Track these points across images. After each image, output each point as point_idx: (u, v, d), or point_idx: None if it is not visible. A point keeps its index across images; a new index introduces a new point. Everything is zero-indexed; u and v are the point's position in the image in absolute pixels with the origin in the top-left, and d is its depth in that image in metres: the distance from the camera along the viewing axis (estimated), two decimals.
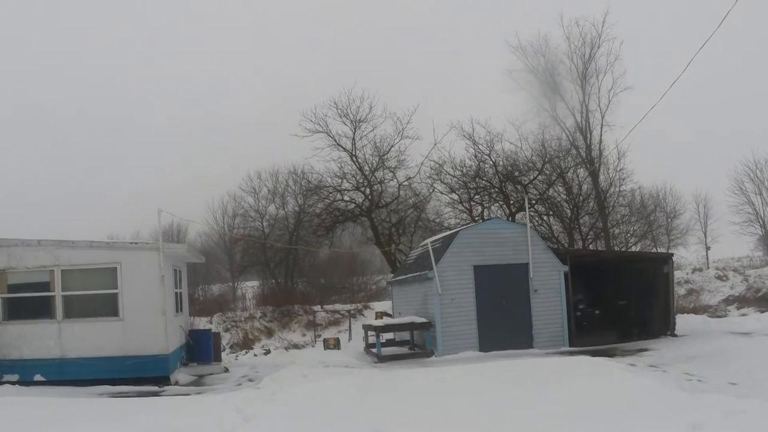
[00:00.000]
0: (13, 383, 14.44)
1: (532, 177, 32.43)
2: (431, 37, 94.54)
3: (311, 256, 40.53)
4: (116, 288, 15.44)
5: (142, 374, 14.94)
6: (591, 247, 33.01)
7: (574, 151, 33.04)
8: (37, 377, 14.84)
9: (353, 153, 33.00)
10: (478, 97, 64.93)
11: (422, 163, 33.03)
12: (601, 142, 32.82)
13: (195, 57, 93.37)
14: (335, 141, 32.77)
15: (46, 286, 15.40)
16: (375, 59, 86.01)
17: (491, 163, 32.44)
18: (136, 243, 17.43)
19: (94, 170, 72.75)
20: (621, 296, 23.32)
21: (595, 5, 51.04)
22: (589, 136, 32.89)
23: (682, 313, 27.00)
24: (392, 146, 32.87)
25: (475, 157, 32.55)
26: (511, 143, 32.81)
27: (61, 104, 78.73)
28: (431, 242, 21.07)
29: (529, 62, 33.20)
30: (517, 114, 43.07)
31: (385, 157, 33.03)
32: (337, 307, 34.88)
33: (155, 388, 14.53)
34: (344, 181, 33.35)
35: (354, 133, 32.76)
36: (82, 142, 73.46)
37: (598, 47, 32.18)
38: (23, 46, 79.89)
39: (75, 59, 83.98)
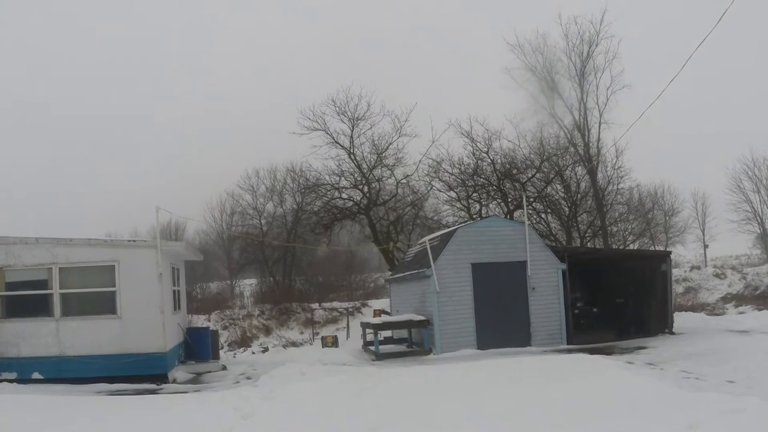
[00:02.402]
0: (11, 381, 14.43)
1: (530, 175, 32.39)
2: (430, 36, 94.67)
3: (309, 254, 40.51)
4: (114, 286, 15.43)
5: (140, 372, 14.94)
6: (589, 245, 32.99)
7: (572, 149, 33.06)
8: (35, 375, 14.84)
9: (351, 151, 33.01)
10: (477, 95, 65.02)
11: (420, 161, 33.08)
12: (599, 140, 32.94)
13: (194, 55, 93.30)
14: (333, 139, 32.80)
15: (44, 283, 15.39)
16: (373, 57, 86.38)
17: (489, 160, 32.44)
18: (134, 241, 17.52)
19: (92, 168, 72.81)
20: (619, 294, 23.37)
21: (593, 3, 51.11)
22: (587, 134, 32.97)
23: (680, 311, 27.05)
24: (390, 144, 32.89)
25: (473, 154, 32.56)
26: (509, 141, 32.82)
27: (59, 102, 78.81)
28: (429, 240, 21.08)
29: (527, 60, 33.31)
30: (516, 112, 43.39)
31: (383, 155, 33.02)
32: (335, 305, 34.85)
33: (153, 386, 14.54)
34: (342, 179, 33.37)
35: (352, 131, 32.78)
36: (80, 140, 73.50)
37: (596, 45, 32.26)
38: (18, 44, 79.71)
39: (72, 57, 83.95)
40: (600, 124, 32.59)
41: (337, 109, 32.30)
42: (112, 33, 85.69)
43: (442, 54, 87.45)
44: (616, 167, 32.84)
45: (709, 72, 75.75)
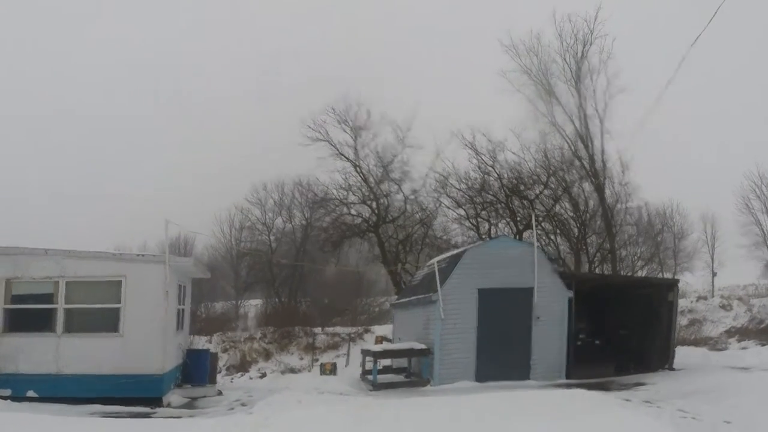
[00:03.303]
0: (5, 398, 14.31)
1: (537, 191, 32.32)
2: (424, 40, 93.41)
3: (317, 273, 40.47)
4: (119, 302, 15.29)
5: (136, 394, 14.77)
6: (597, 269, 32.72)
7: (577, 162, 32.82)
8: (30, 393, 14.68)
9: (356, 163, 33.18)
10: (475, 99, 64.23)
11: (427, 175, 33.23)
12: (603, 152, 32.55)
13: (199, 65, 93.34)
14: (337, 150, 33.00)
15: (49, 297, 15.28)
16: (369, 64, 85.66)
17: (496, 175, 32.47)
18: (142, 255, 17.16)
19: (101, 179, 72.86)
20: (623, 324, 22.95)
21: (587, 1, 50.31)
22: (590, 145, 32.67)
23: (683, 345, 26.73)
24: (395, 156, 33.06)
25: (479, 168, 32.67)
26: (513, 153, 32.79)
27: (68, 111, 78.74)
28: (438, 261, 20.87)
29: (522, 62, 33.13)
30: (516, 119, 42.47)
31: (389, 167, 33.15)
32: (338, 329, 34.63)
33: (147, 410, 14.42)
34: (350, 193, 33.51)
35: (355, 141, 33.02)
36: (89, 150, 73.55)
37: (591, 44, 32.02)
38: (25, 47, 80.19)
39: (78, 62, 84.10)
40: (602, 134, 32.30)
41: (337, 117, 32.63)
42: (129, 42, 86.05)
43: (438, 58, 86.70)
44: (624, 183, 32.54)
45: (720, 83, 74.84)
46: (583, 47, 32.24)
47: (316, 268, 37.77)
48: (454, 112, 53.78)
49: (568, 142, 32.92)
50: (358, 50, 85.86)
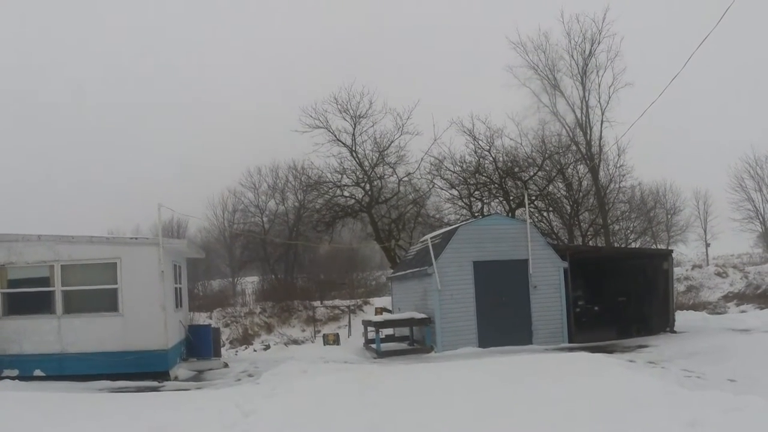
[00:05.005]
0: (12, 378, 14.42)
1: (532, 173, 32.40)
2: (432, 34, 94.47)
3: (311, 251, 40.51)
4: (116, 283, 15.45)
5: (142, 369, 14.96)
6: (591, 243, 33.00)
7: (574, 147, 33.07)
8: (37, 372, 14.87)
9: (353, 149, 33.03)
10: (479, 93, 64.83)
11: (422, 159, 33.06)
12: (601, 138, 32.97)
13: (196, 51, 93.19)
14: (335, 136, 32.82)
15: (46, 281, 15.42)
16: (375, 54, 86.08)
17: (491, 158, 32.44)
18: (136, 238, 17.51)
19: (94, 165, 72.71)
20: (620, 293, 23.37)
21: (595, 1, 50.91)
22: (589, 132, 33.02)
23: (682, 310, 27.07)
24: (392, 142, 32.90)
25: (475, 152, 32.56)
26: (511, 139, 32.88)
27: (61, 96, 78.45)
28: (431, 238, 21.09)
29: (529, 59, 33.38)
30: (518, 110, 43.43)
31: (385, 152, 33.04)
32: (337, 302, 34.83)
33: (155, 383, 14.57)
34: (344, 176, 33.36)
35: (354, 129, 32.82)
36: (83, 136, 73.32)
37: (599, 43, 32.22)
38: (16, 38, 79.56)
39: (76, 51, 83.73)
40: (602, 122, 32.70)
41: (339, 107, 32.36)
42: (117, 23, 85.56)
43: (445, 52, 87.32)
44: (618, 165, 32.89)
45: (715, 69, 75.66)
46: (591, 45, 32.48)
47: (310, 246, 37.81)
48: (456, 103, 54.10)
49: (566, 129, 33.28)
50: (366, 43, 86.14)
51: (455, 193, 33.41)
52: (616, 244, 33.70)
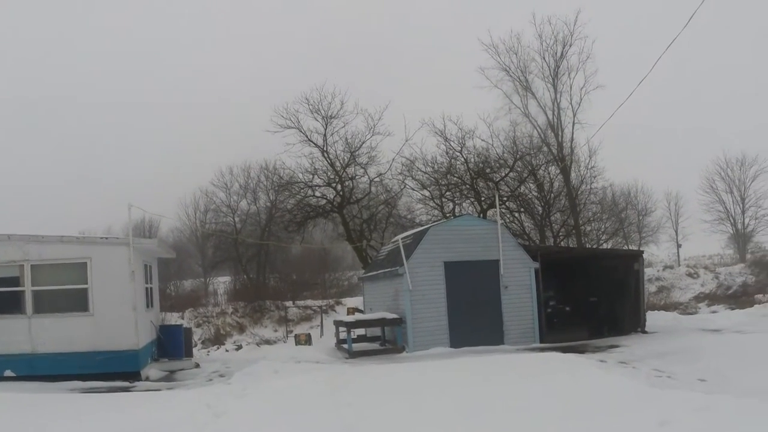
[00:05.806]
0: None
1: (503, 174, 32.64)
2: (404, 35, 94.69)
3: (283, 251, 40.38)
4: (86, 283, 15.34)
5: (113, 369, 14.87)
6: (562, 244, 33.33)
7: (545, 149, 33.39)
8: (8, 372, 14.73)
9: (324, 149, 33.00)
10: (451, 94, 65.20)
11: (393, 159, 33.14)
12: (572, 139, 33.39)
13: (170, 51, 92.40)
14: (306, 137, 32.75)
15: (15, 281, 15.26)
16: (347, 55, 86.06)
17: (463, 159, 32.65)
18: (106, 238, 17.37)
19: (66, 165, 71.84)
20: (592, 293, 23.62)
21: (567, 4, 51.50)
22: (560, 133, 33.40)
23: (653, 310, 27.39)
24: (363, 142, 32.93)
25: (447, 153, 32.76)
26: (482, 140, 33.09)
27: (37, 96, 77.46)
28: (402, 238, 21.20)
29: (501, 60, 33.66)
30: (489, 111, 43.70)
31: (357, 153, 33.06)
32: (309, 302, 34.81)
33: (126, 384, 14.48)
34: (315, 177, 33.31)
35: (325, 129, 32.78)
36: (55, 136, 72.47)
37: (570, 45, 32.65)
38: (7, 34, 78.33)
39: (59, 49, 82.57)
40: (574, 124, 33.08)
41: (310, 107, 32.32)
42: (94, 22, 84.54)
43: (417, 53, 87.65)
44: (590, 167, 33.35)
45: (687, 72, 76.65)
46: (563, 48, 32.91)
47: (282, 246, 37.73)
48: (428, 105, 54.38)
49: (538, 131, 33.65)
50: (339, 44, 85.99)
51: (427, 193, 33.60)
52: (587, 245, 34.09)
